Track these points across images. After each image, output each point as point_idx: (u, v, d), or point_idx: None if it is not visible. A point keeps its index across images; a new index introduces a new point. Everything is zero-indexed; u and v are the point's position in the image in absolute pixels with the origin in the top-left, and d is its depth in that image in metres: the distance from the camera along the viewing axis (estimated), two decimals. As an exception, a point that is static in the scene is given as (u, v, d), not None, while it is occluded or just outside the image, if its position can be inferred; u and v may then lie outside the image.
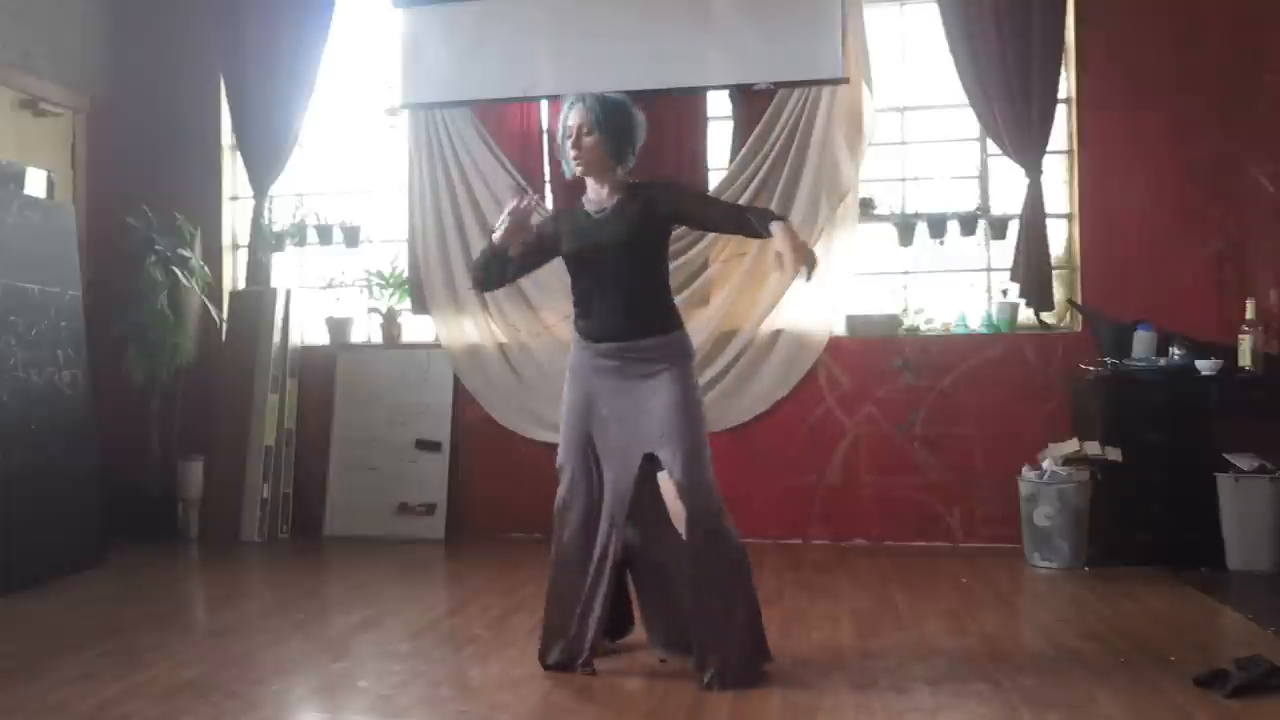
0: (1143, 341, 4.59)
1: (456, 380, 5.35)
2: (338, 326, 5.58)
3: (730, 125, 5.17)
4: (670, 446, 2.90)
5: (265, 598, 4.25)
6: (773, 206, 4.85)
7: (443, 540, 5.16)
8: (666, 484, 2.92)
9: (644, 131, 3.04)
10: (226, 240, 5.74)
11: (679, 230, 5.01)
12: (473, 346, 5.31)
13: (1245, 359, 4.42)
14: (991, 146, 4.99)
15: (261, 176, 5.53)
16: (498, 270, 3.13)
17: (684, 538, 2.89)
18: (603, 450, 3.03)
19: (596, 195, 3.05)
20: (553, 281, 5.17)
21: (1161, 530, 4.30)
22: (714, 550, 2.88)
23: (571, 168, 3.01)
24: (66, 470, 4.48)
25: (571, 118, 2.98)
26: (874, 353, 4.98)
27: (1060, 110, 4.93)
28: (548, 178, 5.31)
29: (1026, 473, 4.51)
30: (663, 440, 2.91)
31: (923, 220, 5.07)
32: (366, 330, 5.63)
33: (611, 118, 2.95)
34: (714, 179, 5.14)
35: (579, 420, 3.05)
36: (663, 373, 2.96)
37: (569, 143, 2.99)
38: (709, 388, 5.03)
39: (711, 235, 5.00)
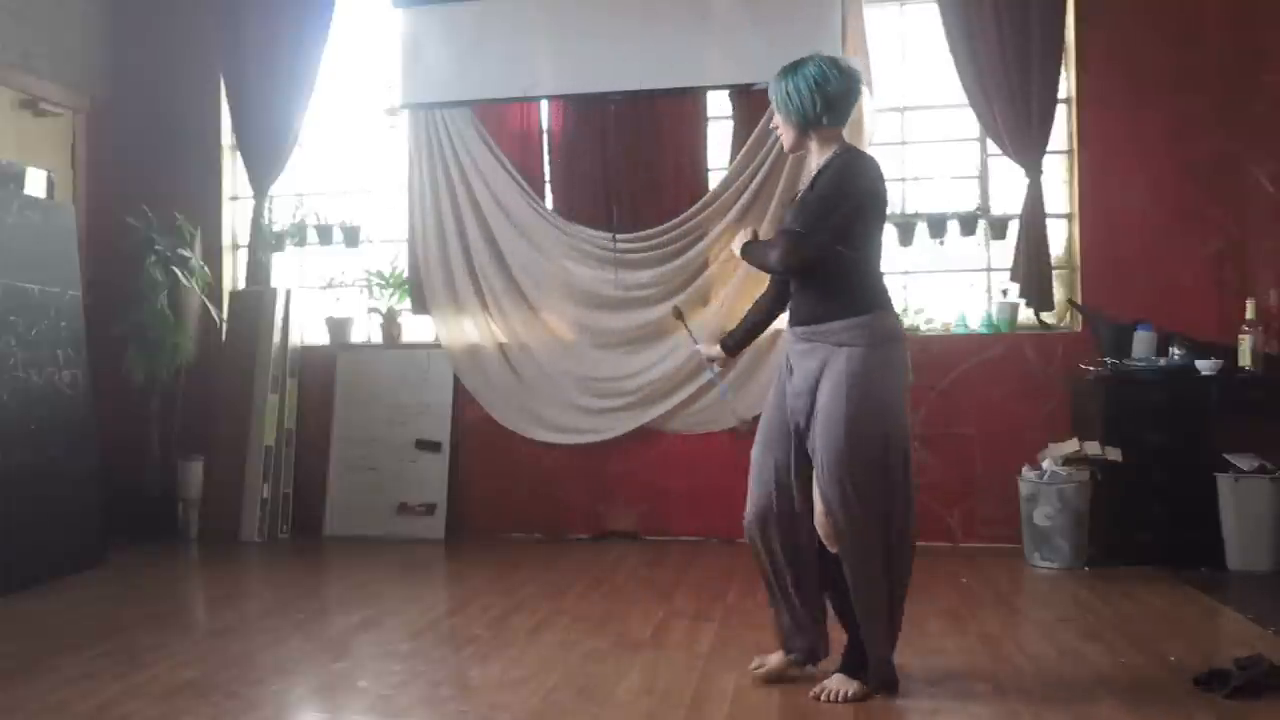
0: (1143, 341, 4.59)
1: (456, 380, 5.35)
2: (338, 326, 5.58)
3: (730, 125, 5.17)
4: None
5: (265, 598, 4.25)
6: (772, 206, 4.88)
7: (443, 540, 5.16)
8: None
9: (832, 87, 2.77)
10: (226, 240, 5.74)
11: (679, 230, 5.07)
12: (473, 346, 5.31)
13: (1245, 359, 4.43)
14: (991, 146, 4.99)
15: (261, 176, 5.54)
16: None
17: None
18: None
19: (814, 164, 2.91)
20: (553, 281, 5.20)
21: (1161, 530, 4.30)
22: None
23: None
24: (66, 470, 4.48)
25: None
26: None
27: (1060, 110, 4.92)
28: (548, 178, 5.32)
29: (1026, 473, 4.51)
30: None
31: (923, 220, 5.07)
32: (366, 330, 5.63)
33: (777, 93, 2.86)
34: (714, 179, 5.14)
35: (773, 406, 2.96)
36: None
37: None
38: (709, 387, 5.04)
39: (712, 235, 5.02)
